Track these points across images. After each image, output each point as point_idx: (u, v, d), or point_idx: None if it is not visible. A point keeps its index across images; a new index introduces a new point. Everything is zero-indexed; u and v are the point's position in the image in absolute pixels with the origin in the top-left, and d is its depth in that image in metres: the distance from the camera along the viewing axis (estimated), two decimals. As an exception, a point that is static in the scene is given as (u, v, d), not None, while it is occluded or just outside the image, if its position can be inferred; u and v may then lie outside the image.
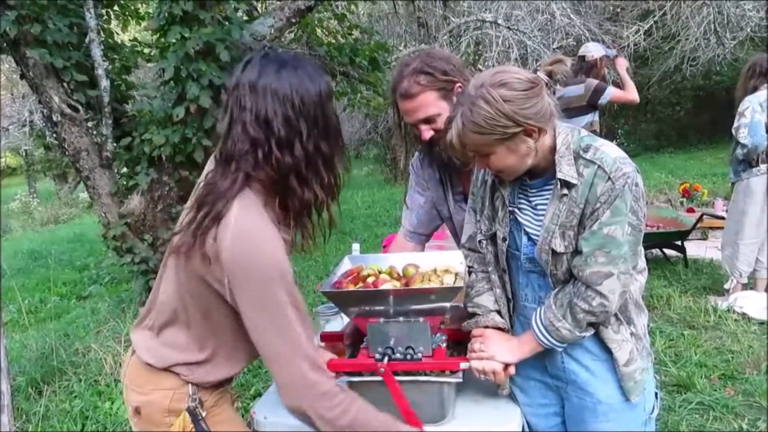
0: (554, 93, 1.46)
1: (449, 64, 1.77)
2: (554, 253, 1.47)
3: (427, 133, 1.79)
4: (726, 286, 4.43)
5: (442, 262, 1.73)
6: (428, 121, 1.77)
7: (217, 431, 1.46)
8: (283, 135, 1.30)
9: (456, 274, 1.64)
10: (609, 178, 1.38)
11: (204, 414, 1.44)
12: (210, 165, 1.43)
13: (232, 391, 1.68)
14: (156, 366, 1.44)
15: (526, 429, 1.71)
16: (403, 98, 1.78)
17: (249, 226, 1.29)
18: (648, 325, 1.64)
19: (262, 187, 1.35)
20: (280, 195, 1.38)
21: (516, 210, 1.57)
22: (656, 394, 1.66)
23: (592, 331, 1.50)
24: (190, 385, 1.43)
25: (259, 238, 1.28)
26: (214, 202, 1.30)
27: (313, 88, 1.34)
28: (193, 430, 1.41)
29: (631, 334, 1.54)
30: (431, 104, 1.75)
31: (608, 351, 1.53)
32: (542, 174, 1.50)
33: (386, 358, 1.57)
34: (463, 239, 1.74)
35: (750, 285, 4.45)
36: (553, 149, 1.45)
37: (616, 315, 1.51)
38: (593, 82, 4.43)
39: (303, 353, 1.29)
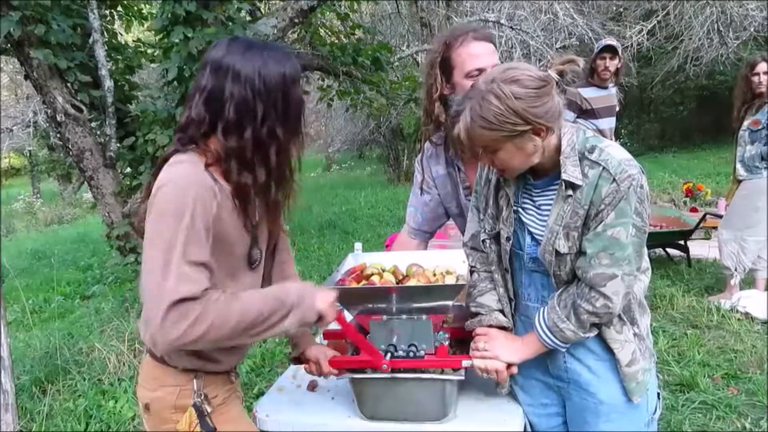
0: (565, 93, 1.45)
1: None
2: (558, 253, 1.47)
3: None
4: (732, 282, 4.39)
5: (444, 262, 1.74)
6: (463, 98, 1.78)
7: (221, 428, 1.46)
8: (231, 118, 1.31)
9: (457, 277, 1.64)
10: (614, 179, 1.37)
11: (210, 410, 1.45)
12: None
13: (241, 392, 1.69)
14: (161, 357, 1.45)
15: (528, 428, 1.71)
16: (478, 39, 1.81)
17: (171, 170, 1.31)
18: (651, 325, 1.64)
19: (202, 154, 1.36)
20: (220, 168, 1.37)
21: (520, 210, 1.56)
22: (659, 394, 1.65)
23: (595, 332, 1.50)
24: (195, 381, 1.44)
25: (171, 178, 1.29)
26: (157, 166, 1.35)
27: (277, 70, 1.34)
28: (199, 426, 1.42)
29: (634, 334, 1.54)
30: (496, 56, 1.79)
31: (611, 351, 1.53)
32: (547, 174, 1.50)
33: (389, 356, 1.58)
34: (466, 237, 1.74)
35: (749, 283, 4.44)
36: (558, 149, 1.44)
37: (619, 315, 1.51)
38: (570, 92, 4.38)
39: (167, 281, 1.21)
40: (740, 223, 4.31)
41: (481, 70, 1.77)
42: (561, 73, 1.43)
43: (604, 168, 1.39)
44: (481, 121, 1.36)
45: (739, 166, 4.30)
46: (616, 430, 1.57)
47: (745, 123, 4.23)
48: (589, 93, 4.37)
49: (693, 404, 3.07)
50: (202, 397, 1.44)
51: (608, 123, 4.50)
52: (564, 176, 1.42)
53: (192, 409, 1.43)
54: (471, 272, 1.69)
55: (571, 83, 1.45)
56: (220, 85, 1.31)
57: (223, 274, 1.38)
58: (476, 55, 1.80)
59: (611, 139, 4.40)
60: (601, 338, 1.53)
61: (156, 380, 1.47)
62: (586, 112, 4.34)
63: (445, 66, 1.86)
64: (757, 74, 4.12)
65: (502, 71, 1.37)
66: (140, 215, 4.64)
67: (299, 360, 1.73)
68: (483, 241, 1.65)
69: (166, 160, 1.36)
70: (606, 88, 4.46)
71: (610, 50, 4.37)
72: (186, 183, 1.28)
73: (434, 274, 1.66)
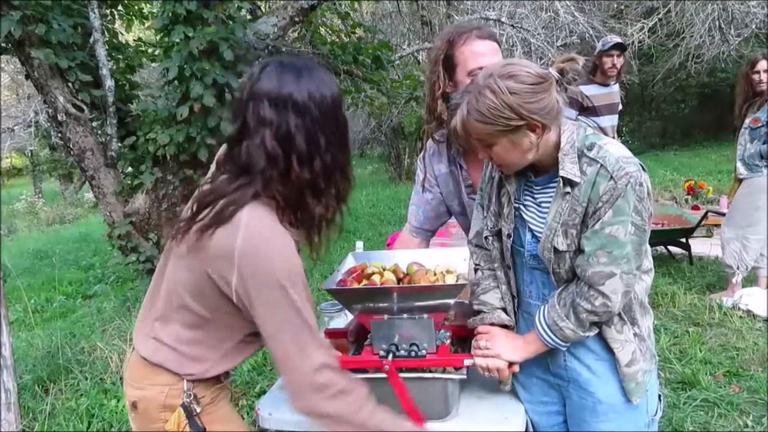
0: (566, 91, 1.45)
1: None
2: (556, 251, 1.46)
3: None
4: (734, 281, 4.38)
5: (445, 261, 1.74)
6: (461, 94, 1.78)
7: (210, 428, 1.46)
8: (304, 150, 1.29)
9: (458, 276, 1.64)
10: (611, 177, 1.37)
11: (199, 410, 1.44)
12: (210, 174, 1.42)
13: (230, 388, 1.69)
14: (149, 360, 1.45)
15: (530, 427, 1.71)
16: (482, 38, 1.81)
17: (262, 228, 1.29)
18: (653, 323, 1.63)
19: (270, 202, 1.34)
20: (293, 210, 1.37)
21: (521, 207, 1.56)
22: (660, 396, 1.65)
23: (596, 331, 1.49)
24: (185, 380, 1.43)
25: (274, 240, 1.28)
26: (217, 201, 1.30)
27: (328, 93, 1.33)
28: (188, 426, 1.42)
29: (635, 335, 1.53)
30: (499, 55, 1.79)
31: (611, 351, 1.52)
32: (547, 171, 1.50)
33: (390, 355, 1.57)
34: (471, 235, 1.74)
35: (751, 281, 4.43)
36: (557, 146, 1.44)
37: (619, 315, 1.50)
38: (571, 90, 4.35)
39: (320, 362, 1.30)
40: (742, 222, 4.29)
41: (481, 68, 1.77)
42: (561, 71, 1.42)
43: (601, 165, 1.39)
44: (476, 114, 1.36)
45: (739, 164, 4.29)
46: (614, 430, 1.56)
47: (746, 121, 4.21)
48: (591, 90, 4.35)
49: (695, 402, 3.06)
50: (191, 397, 1.43)
51: (610, 120, 4.49)
52: (562, 173, 1.42)
53: (181, 409, 1.42)
54: (475, 270, 1.70)
55: (572, 81, 1.44)
56: (284, 118, 1.28)
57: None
58: (479, 54, 1.80)
59: (613, 137, 4.38)
60: (601, 337, 1.52)
61: (144, 379, 1.46)
62: (587, 110, 4.33)
63: (448, 63, 1.86)
64: (758, 72, 4.10)
65: (501, 67, 1.38)
66: (142, 214, 4.62)
67: None
68: (485, 238, 1.65)
69: (238, 203, 1.29)
70: (608, 85, 4.45)
71: (620, 48, 4.37)
72: (285, 246, 1.29)
73: (434, 274, 1.66)
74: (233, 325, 1.39)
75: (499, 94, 1.33)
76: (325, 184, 1.34)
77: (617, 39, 4.44)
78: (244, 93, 1.32)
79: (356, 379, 1.37)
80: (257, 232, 1.28)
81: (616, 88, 4.55)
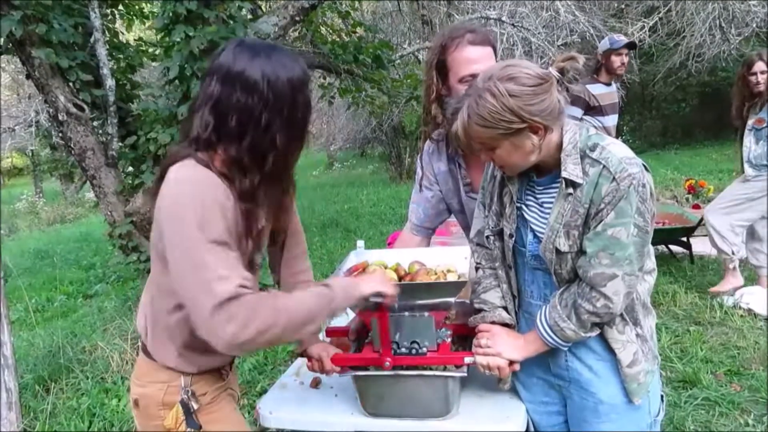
0: (567, 90, 1.44)
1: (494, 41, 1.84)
2: (558, 252, 1.46)
3: None
4: (731, 266, 4.35)
5: (446, 260, 1.74)
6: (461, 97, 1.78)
7: (209, 427, 1.46)
8: (233, 126, 1.31)
9: (459, 276, 1.64)
10: (614, 178, 1.36)
11: (197, 407, 1.45)
12: None
13: (236, 391, 1.69)
14: (150, 353, 1.46)
15: (530, 426, 1.71)
16: (473, 44, 1.79)
17: (180, 174, 1.31)
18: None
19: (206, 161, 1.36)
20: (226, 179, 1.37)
21: (523, 206, 1.56)
22: (662, 396, 1.64)
23: (597, 332, 1.49)
24: (183, 377, 1.44)
25: (186, 182, 1.29)
26: (162, 167, 1.35)
27: (285, 75, 1.33)
28: (185, 423, 1.42)
29: (637, 335, 1.53)
30: (493, 61, 1.77)
31: (612, 351, 1.52)
32: (549, 171, 1.49)
33: (392, 353, 1.58)
34: (472, 234, 1.74)
35: (752, 279, 4.43)
36: (560, 147, 1.43)
37: (621, 315, 1.50)
38: (578, 89, 4.29)
39: (215, 292, 1.21)
40: (731, 207, 4.28)
41: (474, 76, 1.77)
42: (562, 71, 1.42)
43: (604, 166, 1.38)
44: (477, 118, 1.36)
45: (746, 166, 4.25)
46: (615, 430, 1.56)
47: (750, 122, 4.18)
48: (595, 90, 4.34)
49: (696, 401, 3.06)
50: (189, 394, 1.44)
51: (613, 120, 4.48)
52: (564, 174, 1.42)
53: (179, 405, 1.43)
54: (476, 269, 1.70)
55: (573, 80, 1.44)
56: (227, 93, 1.31)
57: None
58: (471, 60, 1.80)
59: (616, 137, 4.37)
60: (602, 338, 1.52)
61: (145, 376, 1.48)
62: (593, 109, 4.31)
63: (441, 68, 1.87)
64: (755, 74, 4.07)
65: (500, 68, 1.37)
66: (143, 214, 4.64)
67: (303, 354, 1.73)
68: (487, 237, 1.65)
69: (174, 161, 1.35)
70: (609, 84, 4.43)
71: (631, 47, 4.36)
72: (205, 183, 1.29)
73: (435, 273, 1.66)
74: None
75: (499, 97, 1.33)
76: (249, 161, 1.34)
77: (624, 38, 4.40)
78: (205, 72, 1.37)
79: (257, 294, 1.28)
80: (175, 178, 1.31)
81: (615, 87, 4.54)
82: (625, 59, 4.37)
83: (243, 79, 1.30)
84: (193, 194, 1.27)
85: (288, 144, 1.37)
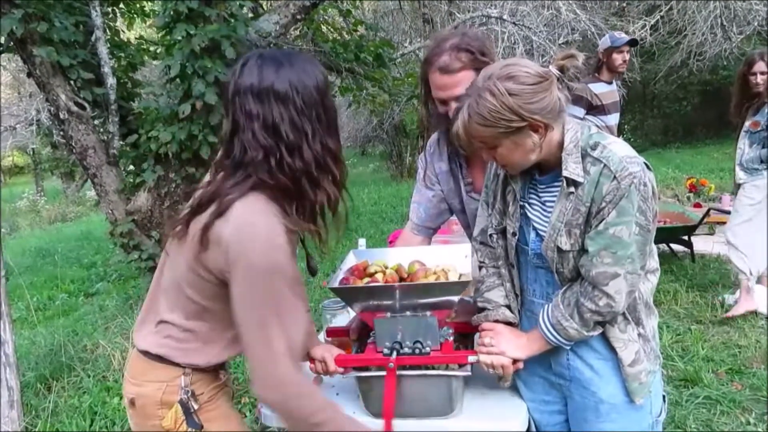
0: (568, 88, 1.44)
1: (485, 45, 1.78)
2: (560, 250, 1.46)
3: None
4: (749, 285, 4.08)
5: (446, 259, 1.74)
6: (459, 99, 1.76)
7: (208, 425, 1.46)
8: (292, 139, 1.31)
9: (460, 275, 1.64)
10: (614, 177, 1.36)
11: (197, 407, 1.45)
12: (209, 175, 1.43)
13: (232, 387, 1.69)
14: (150, 351, 1.45)
15: (532, 425, 1.71)
16: (441, 72, 1.77)
17: (251, 216, 1.30)
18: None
19: (271, 194, 1.35)
20: (295, 200, 1.38)
21: (526, 205, 1.56)
22: (664, 396, 1.64)
23: (600, 330, 1.49)
24: (183, 377, 1.43)
25: (259, 227, 1.29)
26: (216, 198, 1.32)
27: (311, 82, 1.34)
28: (185, 423, 1.42)
29: (639, 335, 1.52)
30: (468, 83, 1.69)
31: (614, 350, 1.52)
32: (552, 170, 1.49)
33: (394, 353, 1.58)
34: (475, 232, 1.74)
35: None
36: (561, 146, 1.43)
37: (624, 314, 1.50)
38: (579, 88, 4.22)
39: (280, 352, 1.29)
40: (747, 226, 4.07)
41: (444, 101, 1.80)
42: (562, 69, 1.41)
43: (605, 165, 1.38)
44: (477, 117, 1.36)
45: (737, 169, 4.14)
46: (616, 430, 1.56)
47: (746, 124, 4.08)
48: (597, 89, 4.30)
49: (697, 399, 3.06)
50: (189, 393, 1.44)
51: (615, 119, 4.45)
52: (565, 173, 1.41)
53: (178, 405, 1.42)
54: (480, 267, 1.69)
55: (573, 78, 1.43)
56: (268, 109, 1.30)
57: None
58: (438, 87, 1.80)
59: (615, 135, 4.33)
60: (604, 337, 1.52)
61: (142, 375, 1.47)
62: (595, 108, 4.27)
63: (425, 81, 1.87)
64: (754, 74, 3.97)
65: (500, 67, 1.37)
66: (143, 212, 4.64)
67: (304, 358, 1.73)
68: (490, 235, 1.65)
69: (238, 196, 1.31)
70: (611, 83, 4.40)
71: (633, 44, 4.32)
72: (272, 235, 1.29)
73: (435, 273, 1.66)
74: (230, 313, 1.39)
75: (498, 96, 1.33)
76: (318, 171, 1.35)
77: (625, 36, 4.36)
78: (229, 91, 1.35)
79: (313, 385, 1.40)
80: (247, 219, 1.29)
81: (615, 85, 4.51)
82: (627, 57, 4.33)
83: (275, 91, 1.30)
84: (267, 242, 1.28)
85: (336, 147, 1.39)
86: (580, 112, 4.23)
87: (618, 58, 4.29)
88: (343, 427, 1.37)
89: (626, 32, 9.06)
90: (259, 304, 1.29)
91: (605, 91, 4.34)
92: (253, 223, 1.29)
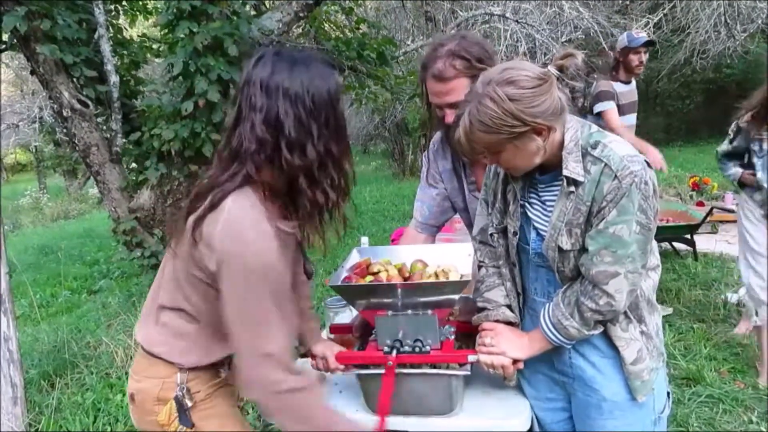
0: (570, 88, 1.43)
1: (484, 50, 1.77)
2: (561, 250, 1.46)
3: (451, 116, 1.75)
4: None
5: (449, 257, 1.74)
6: (455, 105, 1.73)
7: (204, 424, 1.47)
8: (293, 137, 1.29)
9: (461, 276, 1.64)
10: (615, 176, 1.36)
11: (191, 405, 1.45)
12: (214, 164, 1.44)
13: (234, 385, 1.69)
14: (149, 350, 1.46)
15: (535, 424, 1.71)
16: (435, 79, 1.76)
17: (242, 215, 1.29)
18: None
19: (265, 188, 1.35)
20: (289, 196, 1.38)
21: (526, 204, 1.56)
22: (668, 393, 1.64)
23: (600, 329, 1.49)
24: (179, 374, 1.44)
25: (248, 229, 1.28)
26: (210, 191, 1.32)
27: (325, 86, 1.33)
28: (177, 420, 1.43)
29: (642, 332, 1.52)
30: (462, 90, 1.70)
31: (616, 349, 1.51)
32: (552, 169, 1.49)
33: (395, 351, 1.58)
34: (475, 231, 1.74)
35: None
36: (562, 145, 1.43)
37: (625, 312, 1.49)
38: (601, 84, 4.15)
39: (266, 351, 1.29)
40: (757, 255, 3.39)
41: (439, 106, 1.80)
42: (561, 68, 1.41)
43: (605, 164, 1.38)
44: (479, 125, 1.35)
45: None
46: (619, 428, 1.56)
47: (765, 146, 3.32)
48: (617, 89, 4.16)
49: (699, 398, 3.07)
50: (185, 391, 1.44)
51: (631, 119, 4.34)
52: (565, 172, 1.41)
53: (173, 402, 1.43)
54: (479, 267, 1.69)
55: (574, 77, 1.42)
56: (274, 104, 1.29)
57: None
58: (434, 93, 1.80)
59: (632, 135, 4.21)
60: (606, 335, 1.52)
61: (143, 371, 1.48)
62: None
63: (423, 85, 1.86)
64: None
65: (499, 72, 1.36)
66: (146, 210, 4.63)
67: (305, 354, 1.74)
68: (491, 235, 1.65)
69: (230, 190, 1.32)
70: (629, 82, 4.27)
71: (651, 45, 4.20)
72: (261, 236, 1.28)
73: (435, 274, 1.66)
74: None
75: (499, 102, 1.32)
76: (319, 172, 1.34)
77: (643, 35, 4.18)
78: (241, 81, 1.34)
79: (308, 379, 1.35)
80: (237, 218, 1.28)
81: (634, 84, 4.37)
82: (644, 57, 4.16)
83: (285, 89, 1.29)
84: (256, 244, 1.27)
85: (341, 154, 1.38)
86: (612, 106, 4.11)
87: (634, 59, 4.15)
88: (330, 426, 1.37)
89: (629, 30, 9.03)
90: (244, 304, 1.28)
91: (623, 90, 4.21)
92: (241, 224, 1.28)
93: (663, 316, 1.92)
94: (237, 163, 1.32)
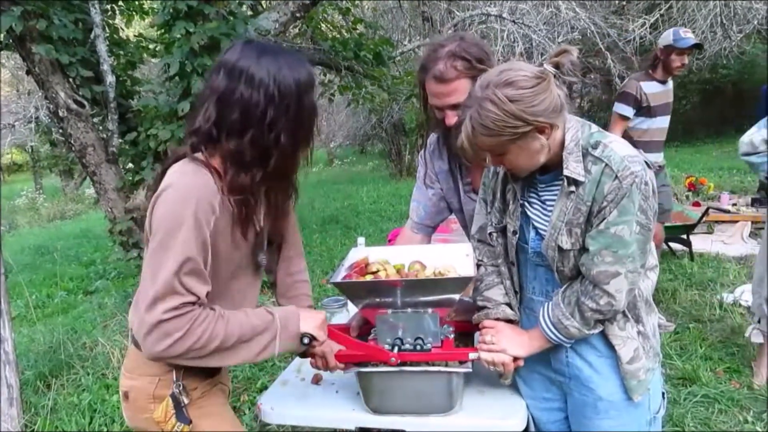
0: (567, 85, 1.43)
1: (483, 50, 1.76)
2: (560, 249, 1.46)
3: (452, 118, 1.75)
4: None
5: (446, 258, 1.74)
6: (456, 107, 1.72)
7: (199, 421, 1.46)
8: (235, 120, 1.33)
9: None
10: (616, 176, 1.36)
11: (187, 402, 1.45)
12: None
13: (228, 384, 1.69)
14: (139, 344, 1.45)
15: (531, 424, 1.71)
16: (436, 81, 1.75)
17: (173, 176, 1.33)
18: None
19: (212, 166, 1.37)
20: (219, 174, 1.39)
21: (526, 204, 1.56)
22: (663, 393, 1.65)
23: (600, 328, 1.50)
24: (174, 371, 1.44)
25: (175, 188, 1.30)
26: (165, 165, 1.38)
27: (292, 76, 1.35)
28: (174, 416, 1.42)
29: (639, 332, 1.53)
30: (464, 91, 1.69)
31: (612, 348, 1.52)
32: (552, 169, 1.49)
33: (396, 349, 1.58)
34: (473, 230, 1.74)
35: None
36: (563, 144, 1.43)
37: (623, 312, 1.50)
38: (628, 84, 3.99)
39: (156, 294, 1.26)
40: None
41: (440, 108, 1.79)
42: (557, 65, 1.41)
43: (606, 164, 1.38)
44: (481, 128, 1.35)
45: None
46: (615, 428, 1.56)
47: None
48: (649, 88, 3.94)
49: (695, 398, 3.07)
50: (181, 387, 1.44)
51: (663, 122, 4.10)
52: (566, 172, 1.41)
53: (169, 398, 1.43)
54: (478, 266, 1.70)
55: (569, 74, 1.42)
56: (232, 87, 1.33)
57: (223, 278, 1.43)
58: (435, 95, 1.79)
59: (663, 140, 3.93)
60: (603, 334, 1.52)
61: (136, 368, 1.48)
62: (640, 110, 3.94)
63: (422, 86, 1.85)
64: None
65: (496, 74, 1.37)
66: (143, 210, 4.66)
67: (305, 354, 1.73)
68: (490, 234, 1.65)
69: (176, 160, 1.38)
70: (665, 82, 4.03)
71: (698, 48, 4.01)
72: (187, 195, 1.30)
73: (434, 275, 1.66)
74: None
75: (500, 105, 1.32)
76: (250, 157, 1.36)
77: (692, 37, 3.90)
78: (212, 68, 1.39)
79: (199, 313, 1.31)
80: (168, 180, 1.32)
81: (671, 84, 4.13)
82: (686, 60, 3.91)
83: (249, 74, 1.32)
84: (176, 204, 1.29)
85: (293, 144, 1.39)
86: (629, 111, 3.92)
87: (676, 60, 3.88)
88: (227, 334, 1.34)
89: (626, 30, 9.07)
90: (156, 249, 1.28)
91: (657, 91, 3.98)
92: (170, 183, 1.31)
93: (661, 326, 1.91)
94: (188, 139, 1.39)
